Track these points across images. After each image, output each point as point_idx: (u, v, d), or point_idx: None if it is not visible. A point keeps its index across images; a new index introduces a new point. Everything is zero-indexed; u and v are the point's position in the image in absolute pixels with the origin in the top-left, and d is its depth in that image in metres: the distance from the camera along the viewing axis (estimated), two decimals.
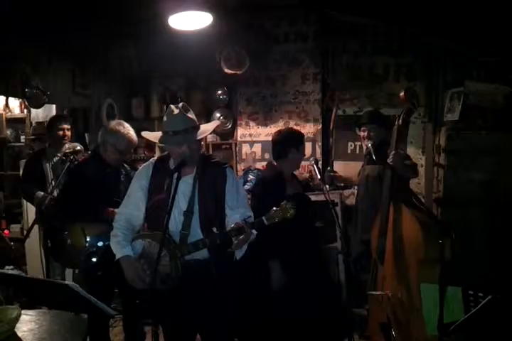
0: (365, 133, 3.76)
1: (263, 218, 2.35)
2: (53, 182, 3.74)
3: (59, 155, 3.97)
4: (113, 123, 3.19)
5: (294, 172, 3.27)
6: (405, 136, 3.43)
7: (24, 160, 4.81)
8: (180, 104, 2.46)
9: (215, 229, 2.48)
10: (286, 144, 3.13)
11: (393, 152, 3.19)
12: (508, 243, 3.91)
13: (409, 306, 2.83)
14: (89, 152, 3.37)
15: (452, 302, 2.29)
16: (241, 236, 2.30)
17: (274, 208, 2.35)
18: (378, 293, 3.01)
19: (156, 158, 2.68)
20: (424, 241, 2.80)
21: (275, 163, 3.18)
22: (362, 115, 4.13)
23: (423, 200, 4.37)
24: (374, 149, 3.64)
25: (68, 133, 4.19)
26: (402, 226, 3.03)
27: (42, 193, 3.83)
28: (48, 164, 4.10)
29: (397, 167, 3.16)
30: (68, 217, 3.08)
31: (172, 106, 2.45)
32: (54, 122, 4.24)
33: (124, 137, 3.10)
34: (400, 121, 3.26)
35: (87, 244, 2.90)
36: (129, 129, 3.16)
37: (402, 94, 3.27)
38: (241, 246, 2.37)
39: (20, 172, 4.75)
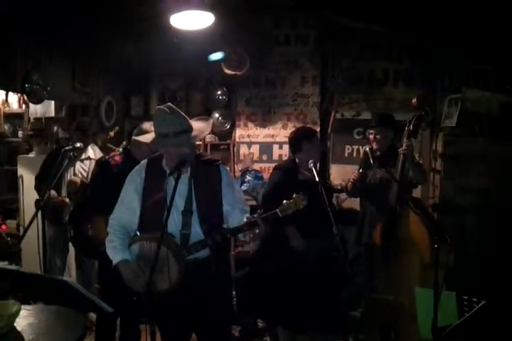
0: (372, 137, 3.69)
1: (277, 211, 2.39)
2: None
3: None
4: (147, 125, 3.13)
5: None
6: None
7: (21, 156, 4.82)
8: (169, 104, 2.41)
9: (225, 226, 2.51)
10: (299, 139, 3.35)
11: (406, 141, 3.24)
12: (502, 249, 3.94)
13: (409, 310, 2.85)
14: (120, 149, 3.37)
15: (446, 307, 2.31)
16: (257, 231, 2.34)
17: (285, 201, 2.40)
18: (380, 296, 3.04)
19: (146, 160, 2.62)
20: (430, 246, 2.83)
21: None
22: (372, 118, 4.11)
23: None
24: (372, 153, 3.63)
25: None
26: (408, 231, 3.05)
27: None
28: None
29: (409, 157, 3.23)
30: (95, 210, 3.12)
31: (162, 107, 2.38)
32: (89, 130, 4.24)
33: (137, 137, 3.09)
34: (411, 127, 3.29)
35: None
36: None
37: (414, 100, 3.29)
38: (255, 239, 2.41)
39: (18, 168, 4.75)
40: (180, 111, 2.42)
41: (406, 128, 3.34)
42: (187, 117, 2.45)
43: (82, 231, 3.21)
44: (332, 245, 2.66)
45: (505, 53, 4.19)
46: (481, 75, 4.54)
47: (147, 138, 2.60)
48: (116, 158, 3.25)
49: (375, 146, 3.67)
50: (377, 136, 3.66)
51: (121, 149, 3.38)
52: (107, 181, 3.09)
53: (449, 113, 4.45)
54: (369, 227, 3.54)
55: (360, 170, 3.64)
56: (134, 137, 2.95)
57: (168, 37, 4.70)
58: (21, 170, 4.69)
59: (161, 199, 2.42)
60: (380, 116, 3.94)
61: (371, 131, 3.73)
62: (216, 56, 4.79)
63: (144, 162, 2.61)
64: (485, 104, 4.31)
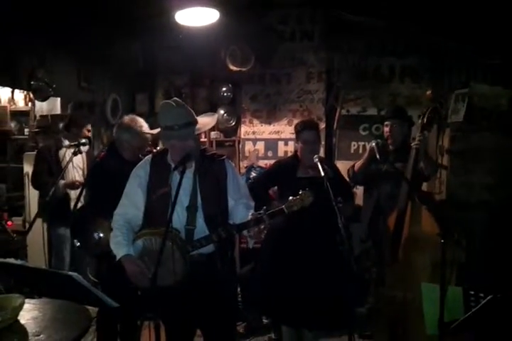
0: (388, 129, 3.62)
1: (283, 207, 2.40)
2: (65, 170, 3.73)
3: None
4: (126, 120, 3.15)
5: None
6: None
7: (27, 153, 4.83)
8: (175, 98, 2.42)
9: (231, 222, 2.51)
10: (296, 130, 3.32)
11: (419, 134, 3.19)
12: (510, 245, 3.90)
13: (419, 306, 2.83)
14: (105, 147, 3.35)
15: (452, 302, 2.30)
16: (262, 226, 2.33)
17: (291, 197, 2.40)
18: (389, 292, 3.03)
19: (151, 155, 2.62)
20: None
21: None
22: (386, 111, 4.05)
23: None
24: (378, 148, 3.56)
25: (87, 134, 4.22)
26: (419, 227, 3.03)
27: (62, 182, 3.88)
28: (64, 153, 4.07)
29: (421, 152, 3.17)
30: (96, 213, 3.06)
31: (168, 101, 2.40)
32: (81, 121, 4.23)
33: (137, 134, 3.09)
34: (425, 120, 3.22)
35: None
36: (142, 125, 3.13)
37: (428, 92, 3.19)
38: (260, 236, 2.41)
39: (24, 165, 4.76)
40: (185, 105, 2.43)
41: (419, 122, 3.27)
42: (192, 111, 2.45)
43: (90, 237, 3.16)
44: (337, 239, 2.64)
45: None
46: (488, 70, 4.50)
47: (153, 131, 2.61)
48: (102, 154, 3.24)
49: (389, 140, 3.62)
50: (393, 128, 3.59)
51: (105, 147, 3.36)
52: (101, 183, 3.08)
53: (456, 108, 4.41)
54: (382, 222, 3.47)
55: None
56: (144, 130, 2.97)
57: (174, 34, 4.70)
58: (27, 168, 4.70)
59: (165, 194, 2.41)
60: (395, 108, 3.88)
61: (387, 123, 3.65)
62: None
63: (148, 157, 2.61)
64: (493, 99, 4.27)
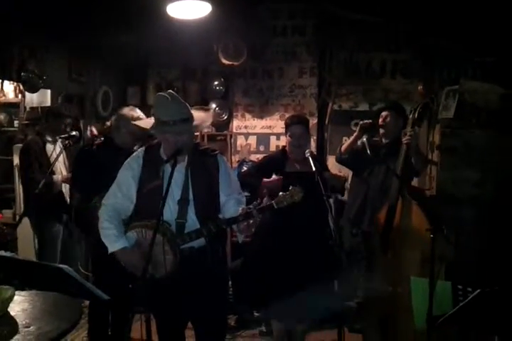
0: (382, 119, 3.58)
1: (273, 202, 2.40)
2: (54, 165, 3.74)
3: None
4: (126, 109, 3.26)
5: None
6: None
7: (17, 145, 4.78)
8: (171, 91, 2.39)
9: (221, 216, 2.51)
10: (285, 124, 3.35)
11: (410, 130, 3.20)
12: (499, 241, 3.94)
13: (408, 301, 2.85)
14: (102, 138, 3.37)
15: (441, 296, 2.32)
16: (251, 221, 2.34)
17: (281, 193, 2.40)
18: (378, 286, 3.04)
19: (144, 148, 2.61)
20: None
21: None
22: (385, 103, 4.06)
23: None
24: (369, 144, 3.54)
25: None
26: (409, 222, 3.05)
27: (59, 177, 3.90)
28: (52, 146, 4.04)
29: (412, 147, 3.17)
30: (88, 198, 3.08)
31: (164, 94, 2.37)
32: (61, 113, 4.20)
33: (136, 122, 3.11)
34: (416, 115, 3.23)
35: None
36: (141, 115, 3.23)
37: (420, 87, 3.18)
38: (250, 230, 2.42)
39: (14, 158, 4.72)
40: (181, 99, 2.41)
41: (410, 117, 3.28)
42: (188, 105, 2.44)
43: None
44: (327, 234, 2.65)
45: (505, 45, 4.17)
46: (479, 67, 4.52)
47: (145, 123, 2.59)
48: (97, 142, 3.29)
49: (381, 131, 3.60)
50: (388, 119, 3.56)
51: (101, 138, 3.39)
52: (90, 170, 3.11)
53: (447, 105, 4.42)
54: (370, 214, 3.49)
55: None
56: (132, 122, 2.97)
57: (165, 27, 4.66)
58: (17, 160, 4.65)
59: (157, 187, 2.41)
60: (393, 101, 3.90)
61: (383, 114, 3.62)
62: None
63: (141, 150, 2.60)
64: (483, 96, 4.28)
